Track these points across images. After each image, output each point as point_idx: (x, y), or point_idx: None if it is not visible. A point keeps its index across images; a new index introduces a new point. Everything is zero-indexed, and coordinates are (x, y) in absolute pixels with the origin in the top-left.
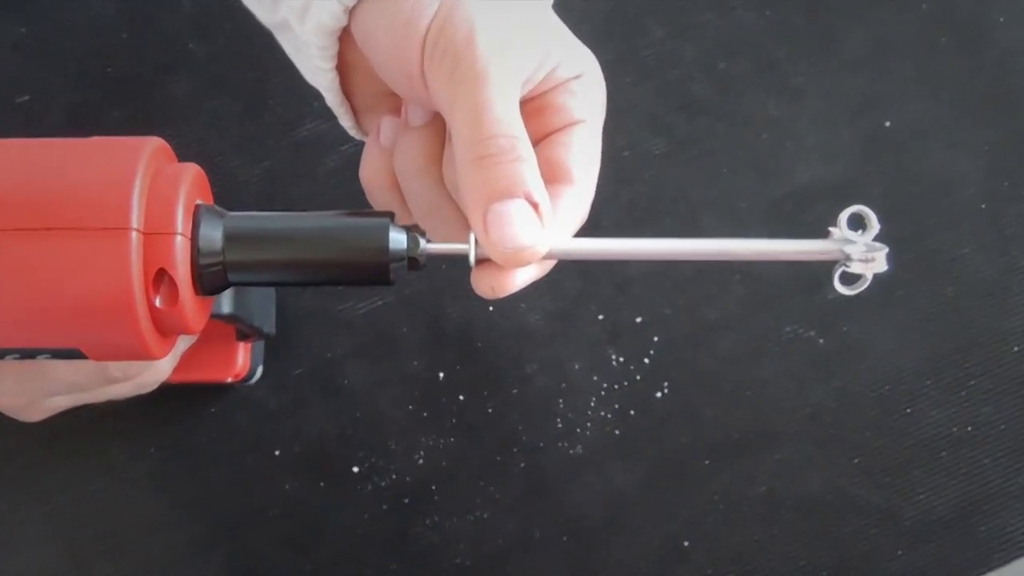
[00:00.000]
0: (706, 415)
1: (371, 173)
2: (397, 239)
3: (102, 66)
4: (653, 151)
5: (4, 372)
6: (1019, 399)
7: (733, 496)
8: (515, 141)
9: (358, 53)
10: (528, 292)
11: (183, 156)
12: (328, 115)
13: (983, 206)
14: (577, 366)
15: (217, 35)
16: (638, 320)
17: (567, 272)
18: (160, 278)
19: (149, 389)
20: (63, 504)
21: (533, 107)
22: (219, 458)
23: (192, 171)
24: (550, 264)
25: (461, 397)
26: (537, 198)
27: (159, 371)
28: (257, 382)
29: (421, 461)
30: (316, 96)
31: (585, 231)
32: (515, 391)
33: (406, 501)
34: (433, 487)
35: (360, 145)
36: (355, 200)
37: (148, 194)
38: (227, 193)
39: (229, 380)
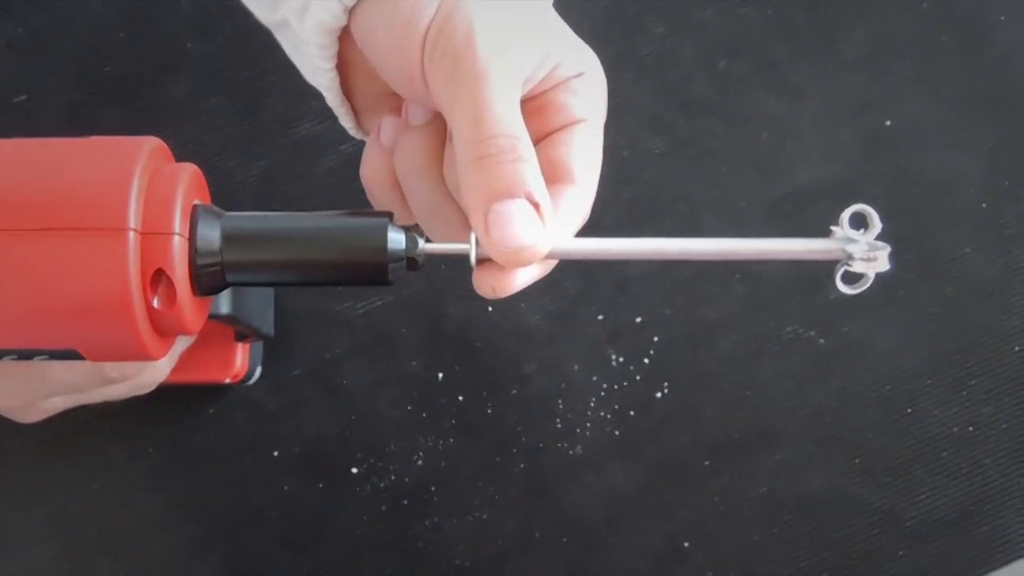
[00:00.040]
0: (706, 415)
1: (372, 173)
2: (395, 239)
3: (100, 66)
4: (653, 150)
5: (1, 373)
6: (1020, 399)
7: (733, 496)
8: (516, 141)
9: (358, 52)
10: (528, 292)
11: (180, 156)
12: (326, 115)
13: (983, 206)
14: (577, 366)
15: (215, 35)
16: (638, 320)
17: (567, 272)
18: (158, 278)
19: (147, 390)
20: (61, 504)
21: (534, 106)
22: (217, 459)
23: (190, 171)
24: (551, 264)
25: (460, 398)
26: (538, 198)
27: (157, 372)
28: (256, 383)
29: (420, 462)
30: (314, 95)
31: (585, 231)
32: (514, 391)
33: (405, 502)
34: (432, 488)
35: (358, 144)
36: (353, 200)
37: (146, 194)
38: (224, 193)
39: (227, 381)
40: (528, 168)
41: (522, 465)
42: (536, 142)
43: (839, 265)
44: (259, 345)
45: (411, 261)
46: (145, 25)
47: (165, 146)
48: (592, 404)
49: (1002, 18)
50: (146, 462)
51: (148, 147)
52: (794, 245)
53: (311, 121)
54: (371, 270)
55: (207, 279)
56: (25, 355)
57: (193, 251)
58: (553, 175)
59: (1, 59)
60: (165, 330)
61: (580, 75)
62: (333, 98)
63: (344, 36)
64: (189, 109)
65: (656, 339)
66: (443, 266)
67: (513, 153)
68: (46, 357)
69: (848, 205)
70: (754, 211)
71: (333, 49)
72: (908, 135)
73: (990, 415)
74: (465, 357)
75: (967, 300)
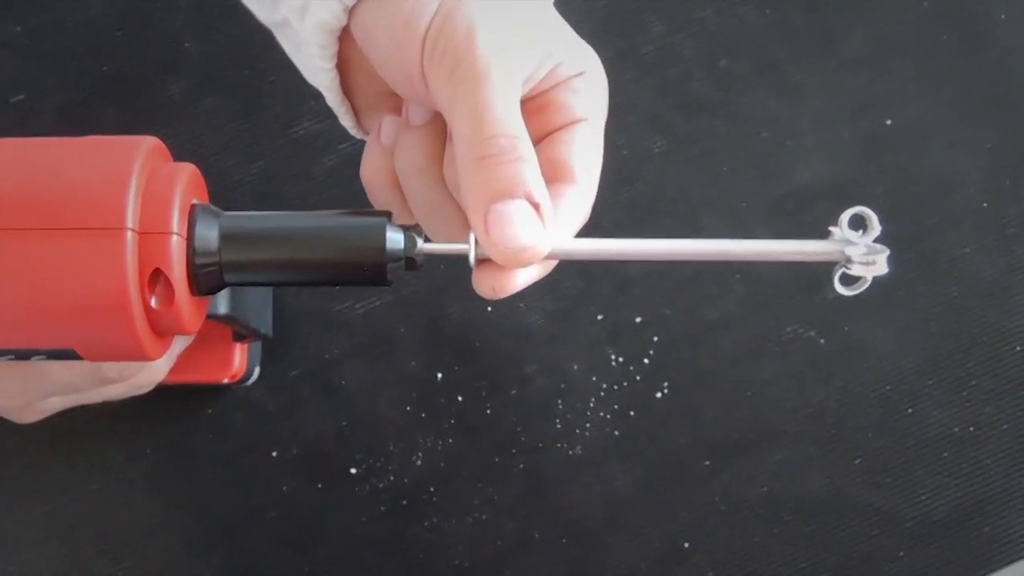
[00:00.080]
0: (706, 415)
1: (372, 172)
2: (394, 239)
3: (98, 65)
4: (653, 150)
5: None
6: (1021, 399)
7: (733, 497)
8: (516, 141)
9: (358, 52)
10: (527, 292)
11: (179, 155)
12: (324, 114)
13: (984, 205)
14: (576, 366)
15: (214, 34)
16: (638, 320)
17: (567, 272)
18: (156, 278)
19: (145, 390)
20: (60, 505)
21: (534, 105)
22: (216, 459)
23: (188, 170)
24: (551, 264)
25: (460, 398)
26: (538, 198)
27: (155, 372)
28: (254, 383)
29: (419, 462)
30: (313, 95)
31: (585, 231)
32: (514, 392)
33: (404, 502)
34: (431, 488)
35: (357, 144)
36: (352, 199)
37: (144, 194)
38: (223, 193)
39: (226, 381)
40: (528, 168)
41: (521, 465)
42: (537, 141)
43: (837, 267)
44: (257, 345)
45: (410, 261)
46: (144, 25)
47: (163, 146)
48: (592, 404)
49: (1003, 17)
50: (144, 462)
51: (146, 147)
52: (792, 246)
53: (310, 121)
54: (369, 270)
55: (205, 279)
56: (23, 355)
57: (191, 251)
58: (554, 174)
59: None
60: (163, 330)
61: (581, 74)
62: (333, 98)
63: (344, 36)
64: (187, 109)
65: (656, 339)
66: (443, 266)
67: (513, 153)
68: (44, 357)
69: (848, 205)
70: (754, 211)
71: (333, 49)
72: (908, 135)
73: (991, 415)
74: (464, 357)
75: (968, 300)
